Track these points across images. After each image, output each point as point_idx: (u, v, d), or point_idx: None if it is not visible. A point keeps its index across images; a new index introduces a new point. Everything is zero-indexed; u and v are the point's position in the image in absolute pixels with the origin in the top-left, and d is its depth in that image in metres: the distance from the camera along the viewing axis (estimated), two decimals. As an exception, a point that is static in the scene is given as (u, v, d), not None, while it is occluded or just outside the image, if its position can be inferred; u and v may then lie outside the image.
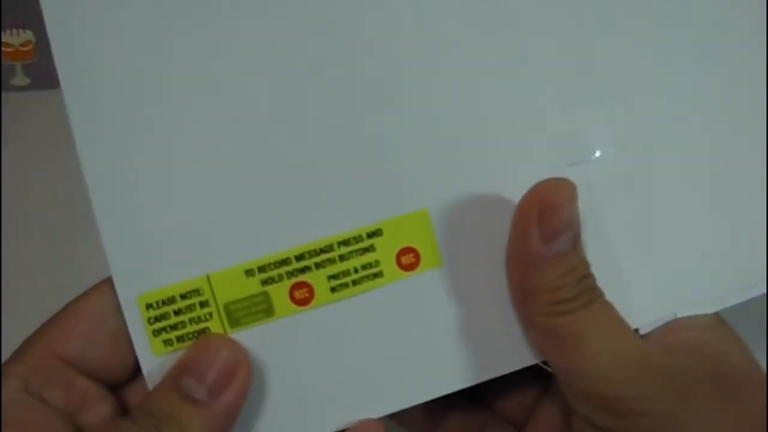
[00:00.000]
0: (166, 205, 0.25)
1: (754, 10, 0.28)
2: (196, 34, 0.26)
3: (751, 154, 0.27)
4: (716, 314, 0.26)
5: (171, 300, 0.25)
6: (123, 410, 0.27)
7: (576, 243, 0.25)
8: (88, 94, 0.25)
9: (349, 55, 0.26)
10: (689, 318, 0.26)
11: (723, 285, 0.27)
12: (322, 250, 0.26)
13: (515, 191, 0.26)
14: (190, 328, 0.25)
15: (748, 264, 0.27)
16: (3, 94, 0.55)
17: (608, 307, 0.25)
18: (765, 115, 0.27)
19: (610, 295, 0.26)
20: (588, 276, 0.25)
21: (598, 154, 0.27)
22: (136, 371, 0.26)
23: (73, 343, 0.25)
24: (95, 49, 0.25)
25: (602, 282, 0.26)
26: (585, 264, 0.25)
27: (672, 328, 0.26)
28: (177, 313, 0.25)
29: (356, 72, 0.26)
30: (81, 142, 0.25)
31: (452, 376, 0.26)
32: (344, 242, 0.26)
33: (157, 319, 0.25)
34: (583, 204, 0.26)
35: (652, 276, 0.27)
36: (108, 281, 0.26)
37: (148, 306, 0.25)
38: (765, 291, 0.27)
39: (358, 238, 0.26)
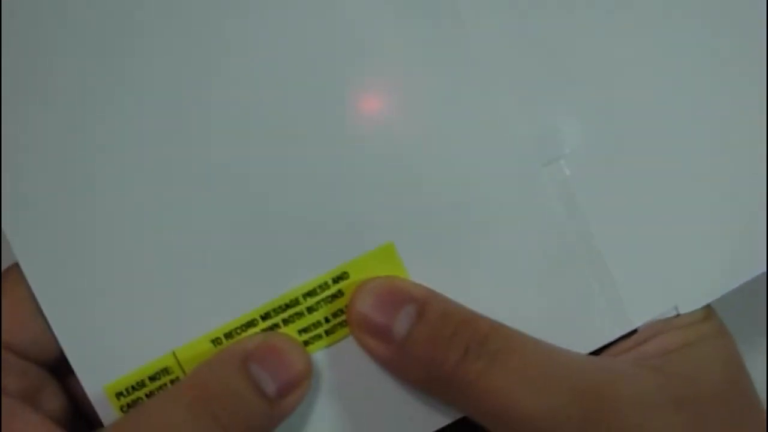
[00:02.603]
0: (116, 288, 0.24)
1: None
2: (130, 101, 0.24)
3: (742, 132, 0.25)
4: (707, 307, 0.25)
5: (141, 384, 0.24)
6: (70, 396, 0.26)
7: (423, 310, 0.23)
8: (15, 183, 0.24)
9: (287, 95, 0.24)
10: (674, 317, 0.25)
11: (721, 268, 0.25)
12: (288, 305, 0.24)
13: (488, 205, 0.25)
14: (165, 411, 0.24)
15: (746, 243, 0.25)
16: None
17: (514, 347, 0.23)
18: (760, 96, 0.25)
19: (603, 296, 0.25)
20: (460, 328, 0.23)
21: (570, 149, 0.25)
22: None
23: (7, 325, 0.24)
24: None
25: (594, 283, 0.25)
26: (447, 319, 0.23)
27: (655, 330, 0.25)
28: (149, 396, 0.24)
29: (295, 112, 0.24)
30: (19, 252, 0.24)
31: (440, 412, 0.25)
32: (310, 293, 0.24)
33: (129, 406, 0.24)
34: (564, 204, 0.25)
35: (645, 270, 0.25)
36: (15, 267, 0.24)
37: (119, 394, 0.24)
38: (765, 269, 0.25)
39: (323, 286, 0.24)
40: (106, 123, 0.24)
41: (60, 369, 0.25)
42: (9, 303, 0.24)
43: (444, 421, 0.25)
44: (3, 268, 0.25)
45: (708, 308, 0.25)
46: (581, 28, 0.25)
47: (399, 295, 0.24)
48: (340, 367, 0.25)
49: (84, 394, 0.24)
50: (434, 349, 0.23)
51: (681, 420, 0.23)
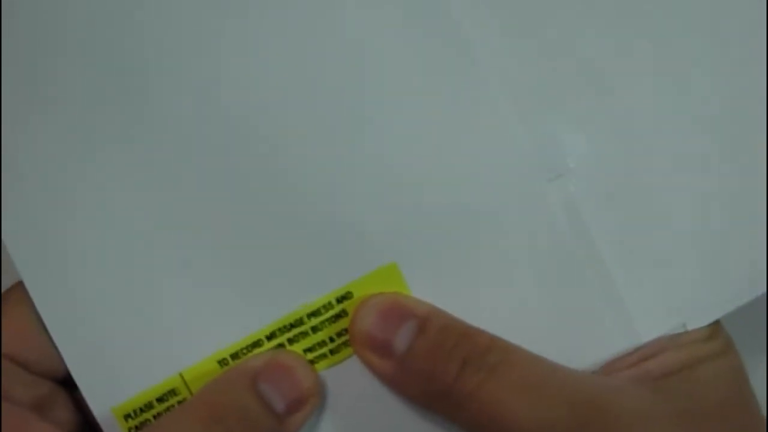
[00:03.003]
0: (123, 310, 0.24)
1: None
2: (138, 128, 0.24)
3: (751, 146, 0.24)
4: (714, 322, 0.25)
5: (149, 406, 0.24)
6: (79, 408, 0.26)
7: (424, 325, 0.23)
8: (19, 201, 0.24)
9: (289, 116, 0.24)
10: (679, 334, 0.25)
11: (730, 284, 0.25)
12: (293, 325, 0.24)
13: (492, 223, 0.24)
14: (173, 431, 0.25)
15: (754, 259, 0.25)
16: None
17: (513, 360, 0.23)
18: (762, 108, 0.24)
19: (609, 313, 0.24)
20: (459, 341, 0.23)
21: (576, 163, 0.25)
22: None
23: (14, 341, 0.24)
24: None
25: (601, 299, 0.24)
26: (447, 333, 0.23)
27: (659, 347, 0.24)
28: (157, 417, 0.24)
29: (299, 133, 0.24)
30: (24, 273, 0.24)
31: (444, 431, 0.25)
32: (314, 313, 0.24)
33: (137, 428, 0.24)
34: (569, 220, 0.25)
35: (654, 286, 0.25)
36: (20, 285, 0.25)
37: (127, 416, 0.24)
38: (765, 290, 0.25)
39: (327, 306, 0.24)
40: (108, 145, 0.24)
41: (70, 382, 0.25)
42: (17, 321, 0.24)
43: None
44: (6, 282, 0.25)
45: (715, 323, 0.25)
46: (585, 41, 0.24)
47: (401, 311, 0.24)
48: (344, 386, 0.25)
49: None
50: (434, 363, 0.23)
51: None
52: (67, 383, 0.25)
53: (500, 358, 0.23)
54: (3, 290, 0.25)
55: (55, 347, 0.24)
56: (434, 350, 0.23)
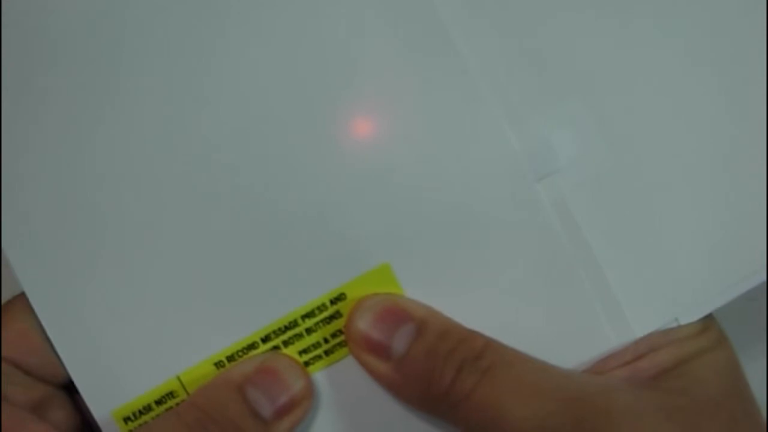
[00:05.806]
0: (121, 315, 0.25)
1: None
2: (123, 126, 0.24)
3: (741, 142, 0.24)
4: (706, 316, 0.25)
5: (147, 408, 0.25)
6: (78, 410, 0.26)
7: (421, 328, 0.24)
8: (19, 208, 0.25)
9: (281, 119, 0.24)
10: (671, 330, 0.25)
11: (722, 279, 0.25)
12: (287, 327, 0.25)
13: (483, 222, 0.25)
14: (171, 433, 0.25)
15: (745, 253, 0.25)
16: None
17: (508, 362, 0.23)
18: (758, 100, 0.24)
19: (602, 310, 0.25)
20: (456, 346, 0.23)
21: (565, 161, 0.25)
22: None
23: (16, 347, 0.25)
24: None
25: (594, 295, 0.25)
26: (444, 338, 0.24)
27: (652, 344, 0.24)
28: (155, 420, 0.25)
29: (291, 136, 0.24)
30: (24, 282, 0.24)
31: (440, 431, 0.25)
32: (308, 314, 0.25)
33: (137, 430, 0.25)
34: (560, 218, 0.25)
35: (645, 281, 0.25)
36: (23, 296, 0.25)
37: (126, 419, 0.25)
38: (765, 279, 0.25)
39: (321, 308, 0.25)
40: (101, 151, 0.24)
41: (70, 386, 0.26)
42: (19, 327, 0.25)
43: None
44: (9, 292, 0.25)
45: (707, 317, 0.25)
46: (572, 40, 0.24)
47: (398, 314, 0.24)
48: (340, 386, 0.25)
49: None
50: (431, 368, 0.23)
51: (673, 429, 0.23)
52: (67, 388, 0.26)
53: (494, 360, 0.23)
54: (5, 299, 0.26)
55: (56, 353, 0.25)
56: (432, 354, 0.24)
